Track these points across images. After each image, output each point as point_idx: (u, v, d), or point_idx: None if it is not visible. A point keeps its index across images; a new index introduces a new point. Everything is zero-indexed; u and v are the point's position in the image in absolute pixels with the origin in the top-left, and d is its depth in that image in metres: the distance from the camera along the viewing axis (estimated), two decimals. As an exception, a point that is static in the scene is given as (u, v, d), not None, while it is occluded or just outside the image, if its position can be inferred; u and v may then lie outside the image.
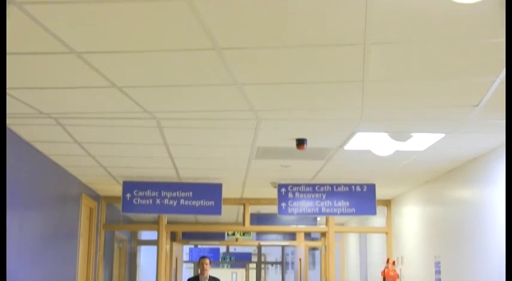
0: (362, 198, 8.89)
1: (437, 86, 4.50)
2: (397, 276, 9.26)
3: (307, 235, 13.61)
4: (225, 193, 8.89)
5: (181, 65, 4.05)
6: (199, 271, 11.32)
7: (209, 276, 11.25)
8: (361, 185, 8.88)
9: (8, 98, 4.73)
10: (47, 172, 7.10)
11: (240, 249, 25.49)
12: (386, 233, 10.03)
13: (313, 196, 8.89)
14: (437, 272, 7.88)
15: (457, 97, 4.78)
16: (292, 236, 13.57)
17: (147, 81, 4.46)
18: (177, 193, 8.75)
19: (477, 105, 4.91)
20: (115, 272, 11.17)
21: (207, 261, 11.16)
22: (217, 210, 8.80)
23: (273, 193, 9.04)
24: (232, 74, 4.20)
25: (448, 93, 4.68)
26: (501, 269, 5.99)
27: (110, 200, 9.83)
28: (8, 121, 5.45)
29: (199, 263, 11.28)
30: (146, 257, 14.31)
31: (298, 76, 4.29)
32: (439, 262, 7.83)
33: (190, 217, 12.13)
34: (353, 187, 8.88)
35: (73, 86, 4.61)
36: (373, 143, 6.35)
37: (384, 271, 9.43)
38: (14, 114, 5.26)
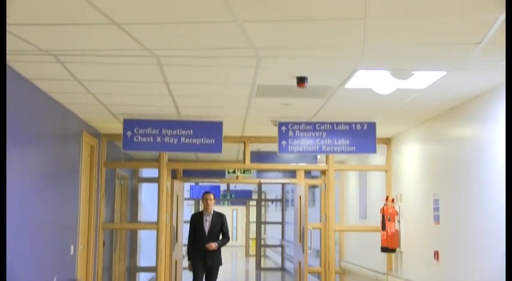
0: (362, 136, 8.91)
1: (440, 23, 4.46)
2: (396, 213, 9.36)
3: (307, 173, 13.67)
4: (226, 131, 8.91)
5: (181, 1, 4.01)
6: (202, 207, 11.36)
7: (213, 211, 11.27)
8: (362, 124, 8.89)
9: (7, 34, 4.69)
10: (47, 110, 7.10)
11: (240, 187, 25.72)
12: (386, 171, 10.09)
13: (313, 134, 8.91)
14: (436, 209, 7.96)
15: (459, 34, 4.75)
16: (292, 174, 13.65)
17: (147, 18, 4.42)
18: (178, 130, 8.76)
19: (479, 43, 4.88)
20: (117, 208, 11.29)
21: (211, 196, 11.16)
22: (217, 148, 8.82)
23: (274, 131, 9.06)
24: (233, 11, 4.16)
25: (450, 31, 4.65)
26: (500, 207, 6.06)
27: (110, 137, 9.86)
28: (7, 58, 5.42)
29: (202, 198, 11.28)
30: (147, 194, 14.44)
31: (299, 13, 4.25)
32: (438, 199, 7.91)
33: (191, 155, 12.19)
34: (353, 125, 8.89)
35: (72, 23, 4.57)
36: (374, 81, 6.33)
37: (383, 208, 9.53)
38: (12, 50, 5.22)
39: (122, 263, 12.05)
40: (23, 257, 6.18)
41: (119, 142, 9.75)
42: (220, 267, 11.17)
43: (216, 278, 11.11)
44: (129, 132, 8.70)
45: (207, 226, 11.05)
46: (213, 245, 10.96)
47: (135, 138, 8.70)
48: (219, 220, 11.16)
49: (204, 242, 10.93)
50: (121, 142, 8.76)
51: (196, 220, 11.20)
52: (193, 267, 11.01)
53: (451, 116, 7.62)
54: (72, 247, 8.13)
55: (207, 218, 11.09)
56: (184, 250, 13.20)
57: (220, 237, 11.23)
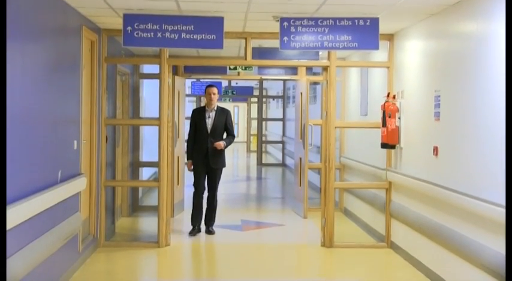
0: (365, 32, 8.82)
1: None
2: (397, 110, 9.39)
3: (309, 70, 13.62)
4: (227, 27, 8.81)
5: None
6: (205, 102, 11.10)
7: (217, 106, 11.01)
8: (365, 19, 8.78)
9: None
10: (46, 3, 6.98)
11: (242, 83, 25.70)
12: (388, 67, 10.04)
13: (315, 30, 8.82)
14: (437, 105, 7.98)
15: None
16: (293, 70, 13.58)
17: None
18: (178, 26, 8.67)
19: None
20: (118, 105, 11.31)
21: (215, 90, 10.73)
22: (218, 44, 8.76)
23: (275, 27, 8.96)
24: None
25: None
26: (501, 104, 6.06)
27: (110, 33, 9.75)
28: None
29: (205, 93, 10.85)
30: (149, 90, 14.44)
31: None
32: (439, 96, 7.91)
33: (192, 51, 12.10)
34: (356, 20, 8.78)
35: None
36: (378, -25, 6.21)
37: (384, 104, 9.55)
38: None
39: (125, 158, 12.21)
40: (27, 152, 6.25)
41: (119, 38, 9.65)
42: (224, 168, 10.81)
43: (219, 180, 10.79)
44: (129, 28, 8.62)
45: (209, 122, 10.60)
46: (222, 144, 10.49)
47: (135, 34, 8.62)
48: (223, 116, 10.70)
49: (207, 141, 10.61)
50: (121, 38, 8.68)
51: (198, 116, 10.76)
52: (194, 168, 10.65)
53: (455, 11, 7.51)
54: (75, 142, 8.21)
55: (210, 114, 10.67)
56: (184, 146, 13.23)
57: (225, 135, 10.90)
